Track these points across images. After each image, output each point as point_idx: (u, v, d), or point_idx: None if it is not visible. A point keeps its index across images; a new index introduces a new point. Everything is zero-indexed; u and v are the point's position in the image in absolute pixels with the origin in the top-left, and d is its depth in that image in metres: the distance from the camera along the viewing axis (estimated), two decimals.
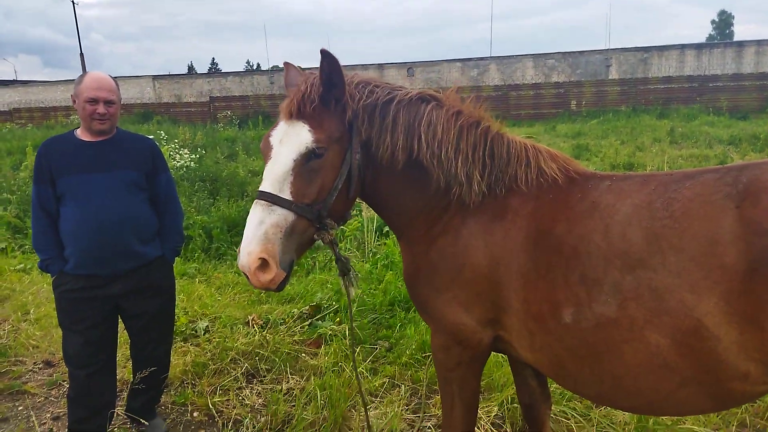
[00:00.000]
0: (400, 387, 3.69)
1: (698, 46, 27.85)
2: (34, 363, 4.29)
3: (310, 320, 4.68)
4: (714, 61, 27.35)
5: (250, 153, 16.09)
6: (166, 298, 3.24)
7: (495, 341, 2.19)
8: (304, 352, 4.22)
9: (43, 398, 3.82)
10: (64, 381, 3.97)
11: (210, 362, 4.05)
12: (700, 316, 1.59)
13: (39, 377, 4.10)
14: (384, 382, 3.74)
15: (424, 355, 4.01)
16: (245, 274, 2.03)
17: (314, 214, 2.06)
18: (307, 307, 4.85)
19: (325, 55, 1.99)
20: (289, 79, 2.32)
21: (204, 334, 4.54)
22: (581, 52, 29.48)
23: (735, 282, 1.53)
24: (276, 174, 2.03)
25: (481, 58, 31.28)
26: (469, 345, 2.18)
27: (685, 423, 3.01)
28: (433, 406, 3.50)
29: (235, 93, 33.20)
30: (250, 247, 1.98)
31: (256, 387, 3.80)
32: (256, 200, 2.05)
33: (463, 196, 2.14)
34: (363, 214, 7.05)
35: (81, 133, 3.02)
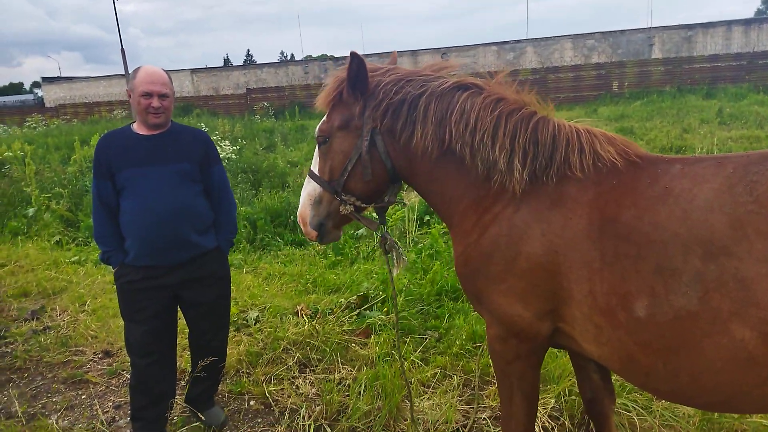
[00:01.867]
0: (452, 377, 3.67)
1: (746, 22, 26.70)
2: (94, 353, 4.44)
3: (358, 310, 4.70)
4: (764, 37, 26.20)
5: (288, 144, 16.24)
6: (222, 288, 3.30)
7: (555, 334, 2.13)
8: (354, 342, 4.24)
9: (104, 387, 3.95)
10: (123, 370, 4.09)
11: (263, 351, 4.11)
12: None
13: (99, 367, 4.24)
14: (435, 373, 3.72)
15: (474, 345, 3.98)
16: None
17: (332, 189, 2.43)
18: (355, 297, 4.86)
19: (354, 57, 2.24)
20: None
21: (255, 323, 4.61)
22: (622, 32, 28.64)
23: None
24: (314, 155, 2.52)
25: (518, 41, 30.72)
26: (526, 337, 2.13)
27: (752, 416, 2.90)
28: (486, 397, 3.46)
29: (270, 84, 33.54)
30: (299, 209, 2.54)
31: (309, 376, 3.84)
32: None
33: (504, 184, 2.11)
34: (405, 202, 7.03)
35: (137, 127, 3.08)
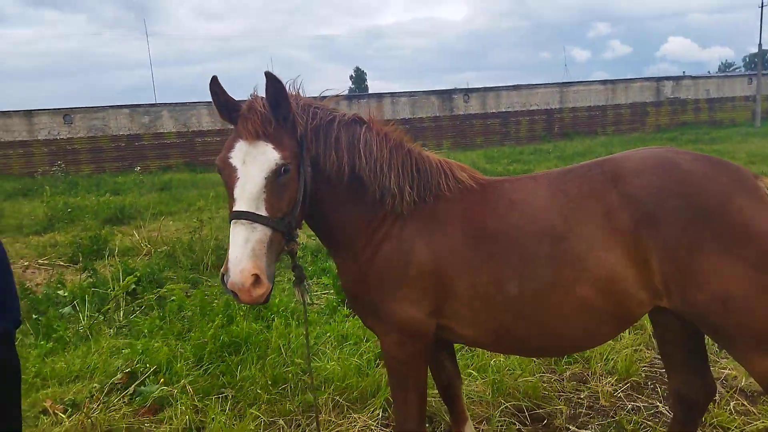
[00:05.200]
0: (276, 421, 3.67)
1: (349, 97, 32.73)
2: None
3: (130, 389, 4.13)
4: (361, 109, 32.38)
5: None
6: (11, 383, 2.60)
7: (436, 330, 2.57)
8: (146, 422, 3.75)
9: None
10: None
11: None
12: (612, 265, 2.28)
13: None
14: (258, 424, 3.66)
15: (277, 389, 4.04)
16: (234, 292, 2.14)
17: (285, 226, 2.30)
18: (120, 376, 4.25)
19: (270, 77, 2.22)
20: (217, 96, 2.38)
21: None
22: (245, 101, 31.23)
23: (628, 237, 2.26)
24: (250, 193, 2.22)
25: (152, 105, 30.15)
26: (420, 336, 2.55)
27: (524, 377, 3.88)
28: (324, 428, 3.61)
29: None
30: (242, 264, 2.13)
31: None
32: (235, 220, 2.20)
33: (396, 206, 2.53)
34: None
35: None
